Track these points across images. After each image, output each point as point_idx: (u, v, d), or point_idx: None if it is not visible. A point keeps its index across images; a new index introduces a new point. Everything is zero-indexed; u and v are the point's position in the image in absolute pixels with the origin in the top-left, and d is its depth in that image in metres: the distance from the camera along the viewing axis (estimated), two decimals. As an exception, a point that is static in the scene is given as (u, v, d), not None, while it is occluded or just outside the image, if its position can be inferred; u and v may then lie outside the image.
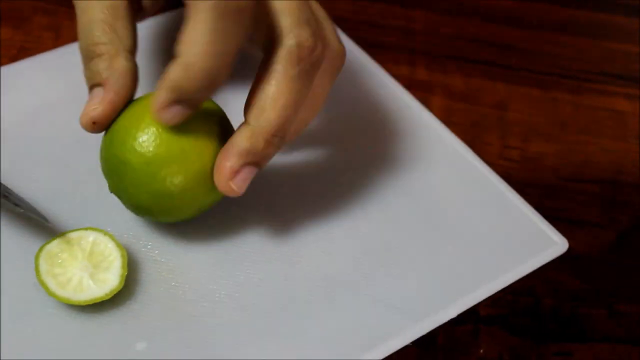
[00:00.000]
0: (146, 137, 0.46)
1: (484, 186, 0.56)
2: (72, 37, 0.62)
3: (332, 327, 0.48)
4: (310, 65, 0.46)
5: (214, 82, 0.43)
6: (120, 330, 0.47)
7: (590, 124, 0.62)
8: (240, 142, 0.45)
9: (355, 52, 0.63)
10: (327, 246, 0.52)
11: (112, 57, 0.47)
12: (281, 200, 0.53)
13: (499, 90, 0.64)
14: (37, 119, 0.56)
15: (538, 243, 0.53)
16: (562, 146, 0.60)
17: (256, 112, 0.45)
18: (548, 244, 0.54)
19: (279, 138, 0.46)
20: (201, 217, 0.51)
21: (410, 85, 0.62)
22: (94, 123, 0.47)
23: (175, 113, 0.44)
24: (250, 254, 0.51)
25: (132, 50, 0.48)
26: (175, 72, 0.43)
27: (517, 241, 0.53)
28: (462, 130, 0.60)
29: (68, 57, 0.60)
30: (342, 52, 0.50)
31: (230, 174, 0.46)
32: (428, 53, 0.66)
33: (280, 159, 0.55)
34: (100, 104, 0.47)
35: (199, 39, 0.42)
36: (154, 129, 0.46)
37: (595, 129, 0.62)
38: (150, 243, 0.50)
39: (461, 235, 0.53)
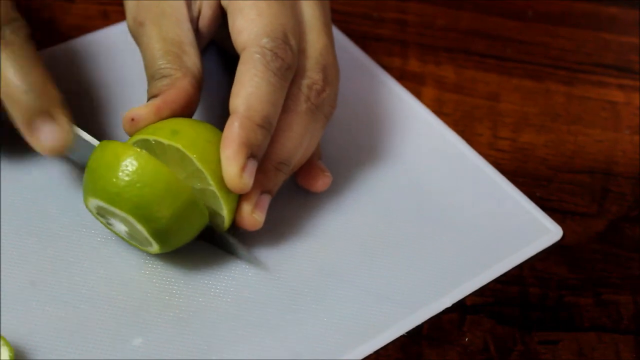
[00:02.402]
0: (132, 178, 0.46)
1: (476, 176, 0.56)
2: (67, 32, 0.63)
3: (326, 320, 0.48)
4: (316, 105, 0.50)
5: (271, 129, 0.48)
6: (117, 326, 0.47)
7: (583, 115, 0.62)
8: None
9: (346, 45, 0.63)
10: (319, 239, 0.52)
11: (177, 79, 0.49)
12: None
13: (492, 82, 0.64)
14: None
15: (532, 231, 0.54)
16: (553, 136, 0.60)
17: None
18: (542, 232, 0.54)
19: (286, 166, 0.50)
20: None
21: (402, 76, 0.62)
22: (132, 119, 0.48)
23: (252, 170, 0.47)
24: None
25: (199, 80, 0.50)
26: (238, 128, 0.46)
27: (511, 230, 0.54)
28: (452, 121, 0.60)
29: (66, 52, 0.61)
30: (334, 107, 0.53)
31: (252, 204, 0.48)
32: (421, 44, 0.66)
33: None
34: (147, 106, 0.48)
35: (256, 91, 0.47)
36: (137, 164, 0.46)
37: (587, 119, 0.62)
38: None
39: (454, 225, 0.53)
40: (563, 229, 0.54)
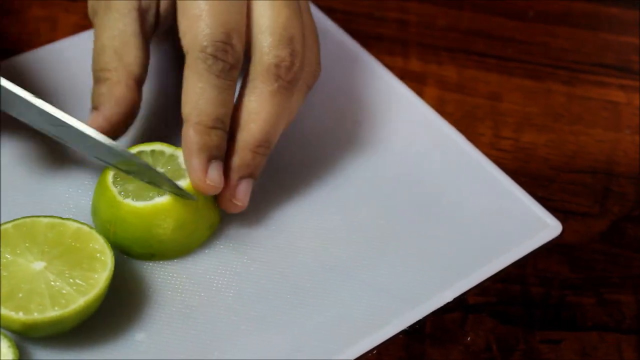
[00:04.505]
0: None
1: (478, 172, 0.57)
2: (68, 30, 0.63)
3: (328, 315, 0.49)
4: (288, 82, 0.49)
5: (225, 127, 0.48)
6: (119, 321, 0.47)
7: (584, 115, 0.62)
8: (230, 159, 0.49)
9: (349, 44, 0.64)
10: (321, 234, 0.52)
11: (114, 84, 0.50)
12: (276, 190, 0.54)
13: (493, 81, 0.64)
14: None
15: (532, 226, 0.54)
16: (555, 136, 0.60)
17: (240, 127, 0.49)
18: (542, 226, 0.54)
19: (264, 148, 0.50)
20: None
21: (404, 76, 0.63)
22: None
23: (217, 170, 0.48)
24: (247, 244, 0.51)
25: (138, 77, 0.51)
26: (192, 134, 0.47)
27: (511, 225, 0.54)
28: (454, 121, 0.60)
29: (66, 51, 0.61)
30: (317, 73, 0.53)
31: (230, 191, 0.49)
32: (422, 44, 0.66)
33: (275, 150, 0.55)
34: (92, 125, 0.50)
35: (202, 96, 0.47)
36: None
37: (588, 119, 0.62)
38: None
39: (455, 221, 0.54)
40: (565, 229, 0.54)
